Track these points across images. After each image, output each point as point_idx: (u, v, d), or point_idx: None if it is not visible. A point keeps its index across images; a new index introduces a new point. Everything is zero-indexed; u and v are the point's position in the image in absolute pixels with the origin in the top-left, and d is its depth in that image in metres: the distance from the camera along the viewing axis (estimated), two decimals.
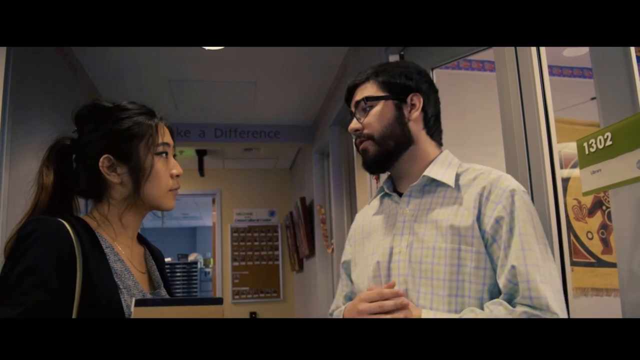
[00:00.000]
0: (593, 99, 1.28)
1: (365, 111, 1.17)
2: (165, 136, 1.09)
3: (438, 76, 2.40)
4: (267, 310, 6.15)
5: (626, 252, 1.17)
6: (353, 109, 1.21)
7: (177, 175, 1.10)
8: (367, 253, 1.20)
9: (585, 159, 1.19)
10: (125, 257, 1.05)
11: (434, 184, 1.14)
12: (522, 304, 0.98)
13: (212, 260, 7.91)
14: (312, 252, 4.81)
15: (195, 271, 9.92)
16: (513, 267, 0.99)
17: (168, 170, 1.09)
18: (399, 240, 1.12)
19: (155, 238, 1.24)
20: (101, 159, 1.03)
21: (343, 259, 1.32)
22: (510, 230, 1.02)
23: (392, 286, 1.08)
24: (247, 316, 6.04)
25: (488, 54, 1.86)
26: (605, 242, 1.97)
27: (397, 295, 1.05)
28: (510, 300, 1.00)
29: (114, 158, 1.04)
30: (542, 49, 1.59)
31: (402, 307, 1.03)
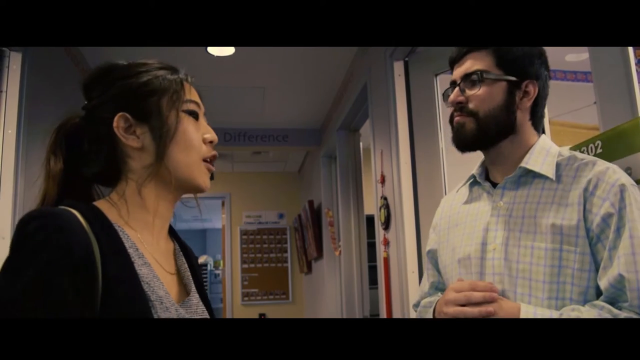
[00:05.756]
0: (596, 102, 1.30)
1: (474, 84, 1.06)
2: (193, 95, 0.90)
3: (442, 82, 2.45)
4: (276, 311, 6.21)
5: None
6: (458, 79, 1.09)
7: (211, 142, 0.91)
8: (455, 244, 1.13)
9: None
10: (151, 256, 0.83)
11: (530, 175, 1.05)
12: (629, 311, 0.90)
13: (222, 262, 7.98)
14: (320, 254, 4.86)
15: (206, 273, 10.00)
16: (621, 275, 0.90)
17: (200, 133, 0.89)
18: (493, 236, 1.04)
19: None
20: (115, 119, 0.83)
21: (428, 247, 1.25)
22: (618, 230, 0.92)
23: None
24: (256, 317, 6.10)
25: None
26: None
27: (490, 289, 0.98)
28: (613, 304, 0.92)
29: (131, 117, 0.84)
30: None
31: (492, 301, 0.97)
